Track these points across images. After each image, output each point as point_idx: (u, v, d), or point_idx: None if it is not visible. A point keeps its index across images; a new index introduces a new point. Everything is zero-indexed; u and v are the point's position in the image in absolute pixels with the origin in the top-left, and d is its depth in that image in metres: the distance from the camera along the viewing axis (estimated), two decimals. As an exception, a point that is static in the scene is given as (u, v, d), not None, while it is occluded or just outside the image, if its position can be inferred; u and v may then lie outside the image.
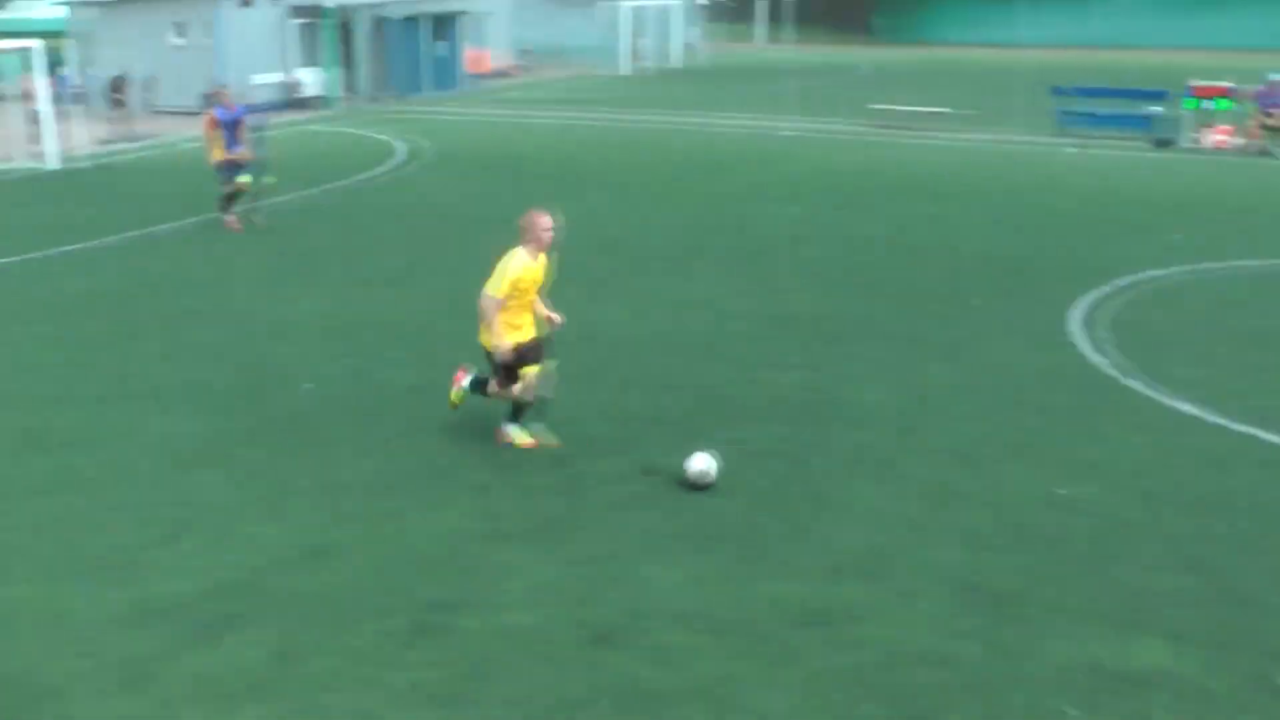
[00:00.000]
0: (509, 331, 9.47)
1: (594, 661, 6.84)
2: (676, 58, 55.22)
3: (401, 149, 27.65)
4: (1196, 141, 28.30)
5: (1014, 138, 29.62)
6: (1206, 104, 28.42)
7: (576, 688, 6.58)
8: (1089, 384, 11.68)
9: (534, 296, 9.60)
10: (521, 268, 9.33)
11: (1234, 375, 11.97)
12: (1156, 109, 29.20)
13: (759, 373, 11.90)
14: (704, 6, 63.71)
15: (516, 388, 9.69)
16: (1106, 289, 15.10)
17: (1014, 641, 7.10)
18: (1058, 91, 31.04)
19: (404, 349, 12.68)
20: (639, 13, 51.90)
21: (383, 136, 30.01)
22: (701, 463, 9.09)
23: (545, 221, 9.39)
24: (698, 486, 9.04)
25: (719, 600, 7.53)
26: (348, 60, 39.38)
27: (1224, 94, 28.31)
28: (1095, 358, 12.39)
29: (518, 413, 9.93)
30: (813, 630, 7.18)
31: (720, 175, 24.20)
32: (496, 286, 9.25)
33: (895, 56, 61.28)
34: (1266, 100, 27.26)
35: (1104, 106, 30.48)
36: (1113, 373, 11.94)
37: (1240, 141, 27.69)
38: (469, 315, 13.79)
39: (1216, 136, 27.97)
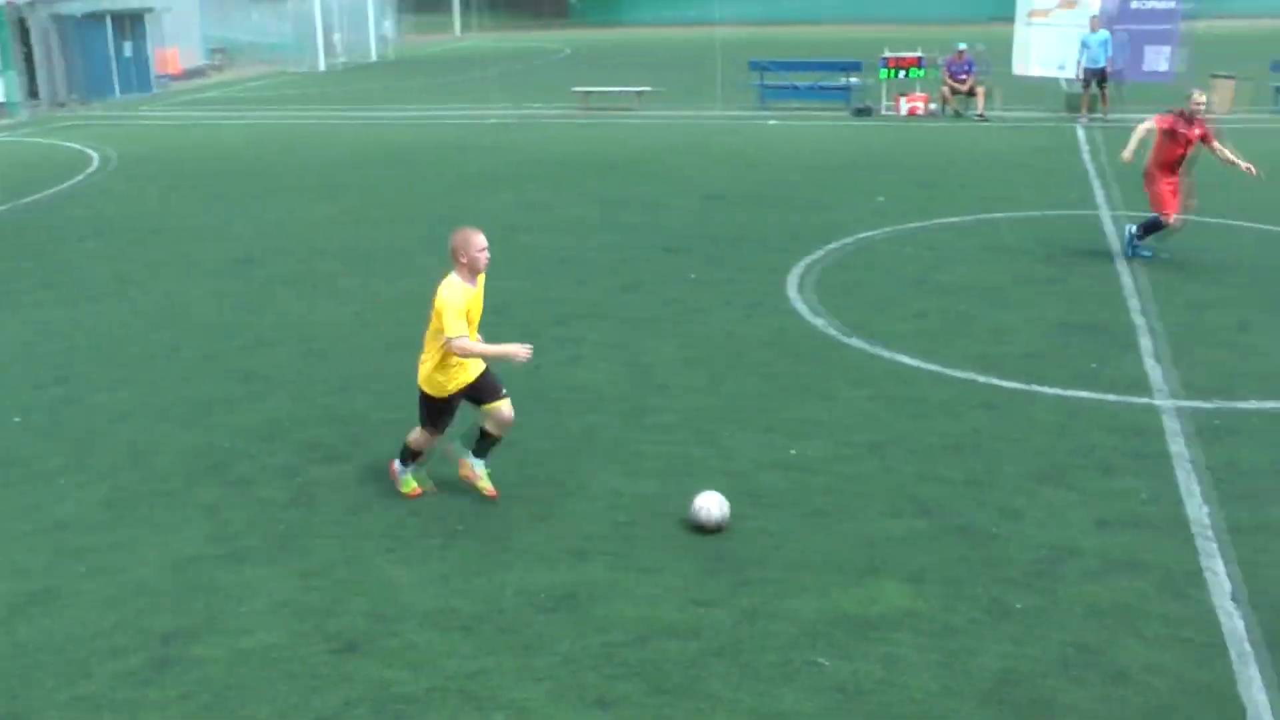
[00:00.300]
0: (456, 372, 8.41)
1: (345, 672, 6.70)
2: (374, 51, 54.34)
3: (95, 157, 26.34)
4: (893, 109, 29.66)
5: (717, 113, 30.34)
6: (901, 73, 29.85)
7: (329, 702, 6.44)
8: (812, 346, 12.10)
9: (475, 325, 8.45)
10: (463, 297, 8.17)
11: (947, 325, 12.62)
12: (853, 80, 30.48)
13: (486, 363, 11.84)
14: (399, -4, 62.87)
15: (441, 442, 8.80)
16: (820, 253, 15.67)
17: (761, 603, 7.31)
18: (756, 66, 31.91)
19: (115, 370, 12.09)
20: (332, 5, 50.79)
21: (74, 144, 28.49)
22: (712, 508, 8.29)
23: (480, 240, 8.20)
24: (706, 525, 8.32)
25: (466, 595, 7.49)
26: (28, 63, 37.18)
27: (916, 63, 29.85)
28: (815, 320, 12.85)
29: (414, 456, 8.93)
30: (562, 615, 7.22)
31: (429, 167, 23.97)
32: (454, 327, 8.07)
33: (595, 38, 61.90)
34: (955, 68, 28.97)
35: (803, 79, 31.56)
36: (833, 333, 12.41)
37: (934, 107, 29.32)
38: (179, 327, 13.39)
39: (911, 103, 29.41)
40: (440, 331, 8.17)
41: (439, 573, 7.78)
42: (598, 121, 29.84)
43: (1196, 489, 8.75)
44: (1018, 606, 7.23)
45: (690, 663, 6.71)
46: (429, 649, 6.90)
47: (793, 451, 9.52)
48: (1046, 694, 6.39)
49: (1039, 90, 30.04)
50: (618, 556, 7.93)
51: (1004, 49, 30.92)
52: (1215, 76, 28.69)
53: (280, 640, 7.05)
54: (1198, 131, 14.31)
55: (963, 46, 29.04)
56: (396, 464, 8.98)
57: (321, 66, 48.39)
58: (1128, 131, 14.92)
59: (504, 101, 34.12)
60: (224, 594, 7.60)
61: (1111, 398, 10.54)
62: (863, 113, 29.46)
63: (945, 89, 29.04)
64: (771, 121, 28.71)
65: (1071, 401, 10.50)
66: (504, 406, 8.57)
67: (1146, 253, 15.00)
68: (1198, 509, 8.44)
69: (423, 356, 8.43)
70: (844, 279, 14.49)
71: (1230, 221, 16.95)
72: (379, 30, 56.20)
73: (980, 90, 28.62)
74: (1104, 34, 26.90)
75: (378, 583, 7.68)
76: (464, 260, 8.20)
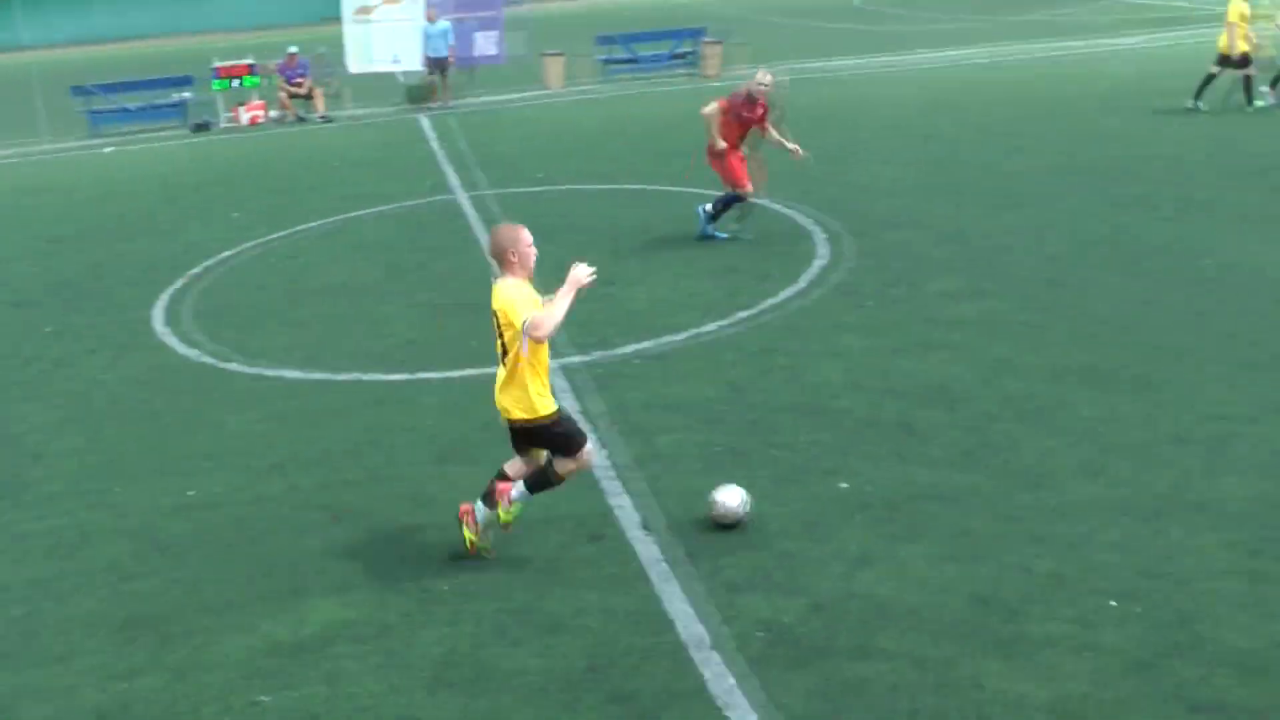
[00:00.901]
0: (547, 392, 7.36)
1: None
2: None
3: None
4: (233, 120, 29.05)
5: (46, 147, 28.32)
6: (235, 83, 29.23)
7: None
8: (189, 379, 11.63)
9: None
10: (528, 292, 7.18)
11: (325, 331, 12.60)
12: (187, 95, 29.54)
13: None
14: None
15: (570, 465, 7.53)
16: (183, 281, 15.06)
17: (188, 656, 6.96)
18: (80, 92, 30.04)
19: None
20: None
21: None
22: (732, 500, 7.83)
23: (527, 235, 7.32)
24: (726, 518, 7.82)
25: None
26: None
27: (249, 71, 29.34)
28: (189, 351, 12.36)
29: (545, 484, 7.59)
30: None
31: None
32: (528, 313, 6.99)
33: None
34: (289, 72, 28.87)
35: (133, 100, 30.07)
36: (210, 360, 12.01)
37: (274, 114, 29.08)
38: None
39: (251, 112, 28.98)
40: (518, 337, 7.09)
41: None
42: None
43: (594, 436, 9.28)
44: (445, 589, 7.39)
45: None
46: None
47: (190, 492, 9.11)
48: (489, 663, 6.59)
49: (378, 86, 30.52)
50: (20, 655, 7.21)
51: (338, 48, 31.13)
52: (545, 55, 30.55)
53: None
54: (760, 112, 14.41)
55: (294, 49, 28.99)
56: (499, 498, 7.59)
57: None
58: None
59: None
60: None
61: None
62: (202, 128, 28.65)
63: (283, 94, 28.87)
64: (108, 149, 27.24)
65: (458, 381, 10.82)
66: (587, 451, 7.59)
67: (723, 235, 14.72)
68: (598, 454, 8.97)
69: (507, 384, 7.32)
70: (213, 303, 14.03)
71: (576, 186, 18.12)
72: None
73: (319, 92, 28.75)
74: (444, 24, 27.85)
75: None
76: (514, 258, 7.28)
